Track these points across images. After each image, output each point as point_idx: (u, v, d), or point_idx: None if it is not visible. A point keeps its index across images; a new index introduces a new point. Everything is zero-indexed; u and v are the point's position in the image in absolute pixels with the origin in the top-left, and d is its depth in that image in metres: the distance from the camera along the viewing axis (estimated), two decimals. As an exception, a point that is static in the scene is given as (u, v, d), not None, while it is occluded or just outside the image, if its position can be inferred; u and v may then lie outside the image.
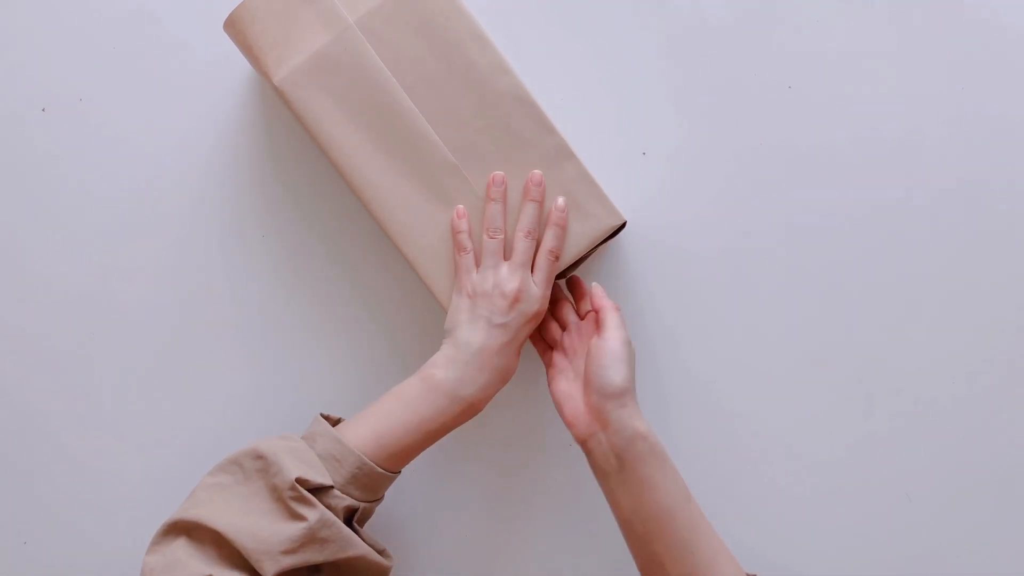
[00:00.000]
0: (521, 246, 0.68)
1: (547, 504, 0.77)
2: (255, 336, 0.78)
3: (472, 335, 0.66)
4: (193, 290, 0.78)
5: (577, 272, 0.74)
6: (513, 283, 0.67)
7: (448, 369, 0.65)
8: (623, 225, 0.71)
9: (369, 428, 0.64)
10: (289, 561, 0.58)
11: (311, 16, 0.67)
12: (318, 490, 0.61)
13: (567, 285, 0.74)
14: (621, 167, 0.76)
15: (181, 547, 0.59)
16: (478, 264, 0.68)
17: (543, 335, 0.73)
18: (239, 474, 0.62)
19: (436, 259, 0.70)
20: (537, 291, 0.68)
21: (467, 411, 0.66)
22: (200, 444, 0.77)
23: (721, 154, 0.76)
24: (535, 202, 0.69)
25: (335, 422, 0.67)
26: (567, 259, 0.70)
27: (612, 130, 0.77)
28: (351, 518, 0.63)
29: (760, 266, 0.76)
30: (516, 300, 0.66)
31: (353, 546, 0.61)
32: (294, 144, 0.77)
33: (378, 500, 0.66)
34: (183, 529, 0.60)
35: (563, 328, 0.72)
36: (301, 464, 0.61)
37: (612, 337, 0.67)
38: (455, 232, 0.69)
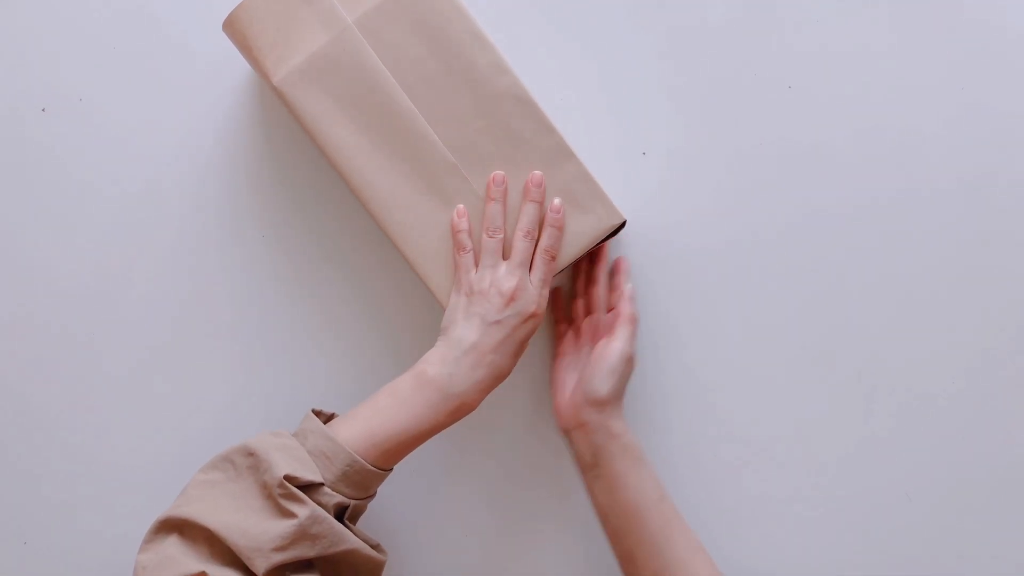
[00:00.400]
0: (520, 246, 0.68)
1: (545, 501, 0.77)
2: (254, 335, 0.78)
3: (466, 332, 0.66)
4: (192, 289, 0.78)
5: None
6: (510, 282, 0.67)
7: (441, 366, 0.65)
8: (623, 224, 0.71)
9: (360, 425, 0.64)
10: (280, 558, 0.58)
11: (310, 16, 0.67)
12: (308, 487, 0.61)
13: (611, 268, 0.75)
14: (621, 166, 0.76)
15: (173, 544, 0.59)
16: (477, 263, 0.68)
17: (565, 307, 0.75)
18: (231, 471, 0.62)
19: (436, 259, 0.70)
20: (534, 291, 0.68)
21: (460, 408, 0.65)
22: (200, 443, 0.77)
23: (721, 153, 0.76)
24: (535, 202, 0.68)
25: (328, 417, 0.67)
26: (566, 258, 0.70)
27: (612, 130, 0.77)
28: (342, 515, 0.63)
29: (760, 265, 0.76)
30: (512, 299, 0.66)
31: (345, 541, 0.61)
32: (294, 144, 0.77)
33: (370, 497, 0.66)
34: (174, 526, 0.60)
35: (588, 311, 0.73)
36: (291, 461, 0.61)
37: (615, 349, 0.69)
38: (455, 231, 0.69)
